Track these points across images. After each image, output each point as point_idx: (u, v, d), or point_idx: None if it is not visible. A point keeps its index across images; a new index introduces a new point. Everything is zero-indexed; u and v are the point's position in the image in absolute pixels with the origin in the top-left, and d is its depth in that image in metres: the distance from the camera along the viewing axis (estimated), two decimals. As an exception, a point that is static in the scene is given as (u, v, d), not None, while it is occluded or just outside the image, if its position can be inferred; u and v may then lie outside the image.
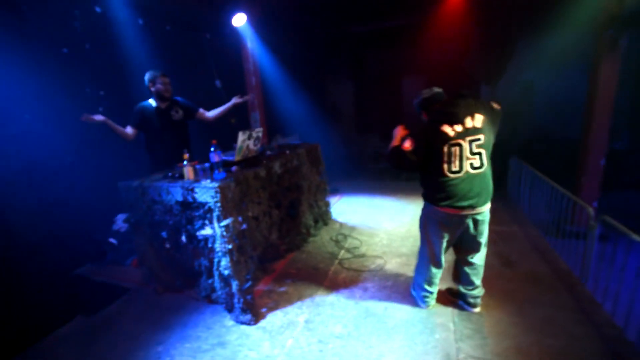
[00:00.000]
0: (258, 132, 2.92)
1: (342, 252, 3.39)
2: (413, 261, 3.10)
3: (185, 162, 2.37)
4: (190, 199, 2.27)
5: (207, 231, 2.30)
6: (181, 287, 2.76)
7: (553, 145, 6.04)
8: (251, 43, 4.75)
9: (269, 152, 3.25)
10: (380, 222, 4.14)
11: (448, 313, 2.36)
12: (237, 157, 2.72)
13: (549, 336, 2.09)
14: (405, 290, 2.65)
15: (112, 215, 3.62)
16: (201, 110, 3.32)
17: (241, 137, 2.67)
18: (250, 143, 2.87)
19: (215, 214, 2.19)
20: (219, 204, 2.16)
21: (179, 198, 2.32)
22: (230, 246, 2.22)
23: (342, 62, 7.92)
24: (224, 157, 2.59)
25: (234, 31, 4.61)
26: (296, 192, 3.39)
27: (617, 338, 2.07)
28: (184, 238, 2.44)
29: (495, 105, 2.14)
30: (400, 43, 6.96)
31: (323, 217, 4.07)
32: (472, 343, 2.07)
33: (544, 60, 5.75)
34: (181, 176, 2.45)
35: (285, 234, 3.26)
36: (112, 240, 3.49)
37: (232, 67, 4.91)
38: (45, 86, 2.95)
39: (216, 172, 2.32)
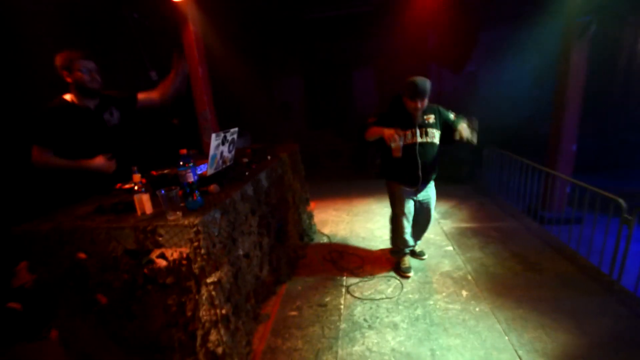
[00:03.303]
0: (233, 133, 2.12)
1: (345, 276, 2.77)
2: (430, 275, 2.63)
3: (135, 186, 1.48)
4: (150, 246, 1.42)
5: (181, 293, 1.47)
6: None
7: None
8: (195, 25, 3.78)
9: (246, 160, 2.45)
10: (372, 231, 3.61)
11: (510, 349, 1.91)
12: (209, 170, 1.90)
13: (621, 350, 1.77)
14: (443, 314, 2.15)
15: (11, 265, 2.44)
16: (142, 94, 2.31)
17: (214, 141, 1.86)
18: (225, 149, 2.07)
19: (196, 266, 1.38)
20: (202, 251, 1.36)
21: (130, 246, 1.44)
22: (223, 311, 1.43)
23: (291, 52, 7.21)
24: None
25: (172, 9, 3.60)
26: (283, 209, 2.66)
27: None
28: (140, 305, 1.56)
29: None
30: (353, 33, 6.51)
31: (308, 233, 3.39)
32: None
33: (489, 52, 5.84)
34: (128, 208, 1.56)
35: (275, 265, 2.51)
36: (13, 305, 2.34)
37: (171, 55, 3.89)
38: None
39: (190, 198, 1.50)
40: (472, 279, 2.57)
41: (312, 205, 3.75)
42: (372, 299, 2.42)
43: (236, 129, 2.14)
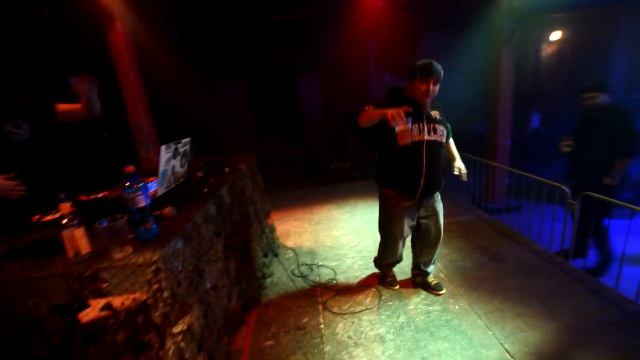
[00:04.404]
0: (185, 145, 1.83)
1: (319, 290, 2.58)
2: (405, 278, 2.58)
3: (64, 219, 1.12)
4: (90, 297, 1.08)
5: (137, 352, 1.15)
6: None
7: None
8: (124, 25, 3.30)
9: (200, 174, 2.14)
10: (338, 239, 3.48)
11: (496, 343, 1.90)
12: (160, 190, 1.58)
13: (588, 327, 1.88)
14: (425, 317, 2.09)
15: None
16: (63, 106, 1.85)
17: (164, 155, 1.56)
18: (176, 163, 1.76)
19: (157, 314, 1.09)
20: (164, 294, 1.07)
21: (61, 300, 1.08)
22: (196, 363, 1.15)
23: (234, 58, 6.86)
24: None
25: (95, 6, 3.09)
26: (246, 225, 2.38)
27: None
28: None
29: None
30: (297, 39, 6.42)
31: (272, 248, 3.14)
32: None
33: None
34: (53, 249, 1.19)
35: (243, 290, 2.22)
36: None
37: (97, 58, 3.34)
38: None
39: (142, 228, 1.19)
40: (445, 277, 2.58)
41: (271, 216, 3.50)
42: (352, 313, 2.28)
43: (188, 139, 1.84)
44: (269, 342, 2.07)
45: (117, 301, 1.07)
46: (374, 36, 5.46)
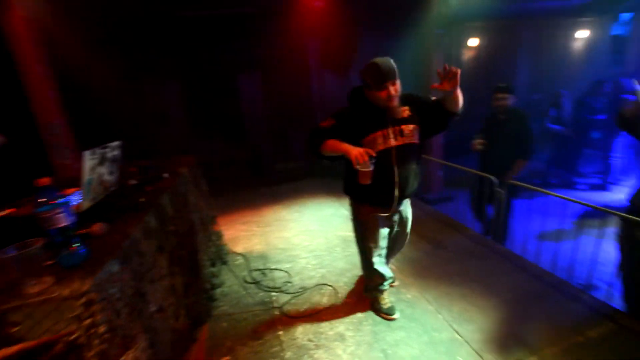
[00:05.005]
0: (115, 149, 1.60)
1: (274, 294, 2.49)
2: (360, 274, 2.63)
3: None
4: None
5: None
6: None
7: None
8: (26, 9, 2.77)
9: (134, 182, 1.89)
10: (289, 239, 3.41)
11: (446, 326, 2.03)
12: (85, 202, 1.35)
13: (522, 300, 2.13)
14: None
15: None
16: None
17: (89, 161, 1.34)
18: (104, 171, 1.53)
19: (91, 354, 0.91)
20: (101, 329, 0.90)
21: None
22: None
23: (166, 53, 6.29)
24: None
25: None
26: (192, 235, 2.18)
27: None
28: None
29: None
30: (237, 35, 6.13)
31: (220, 256, 2.95)
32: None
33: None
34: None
35: (191, 306, 2.03)
36: None
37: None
38: None
39: (65, 252, 0.98)
40: (396, 269, 2.68)
41: (217, 222, 3.29)
42: (310, 314, 2.24)
43: (118, 143, 1.61)
44: (225, 359, 1.93)
45: (34, 347, 0.87)
46: (315, 35, 5.47)
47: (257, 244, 3.38)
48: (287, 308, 2.32)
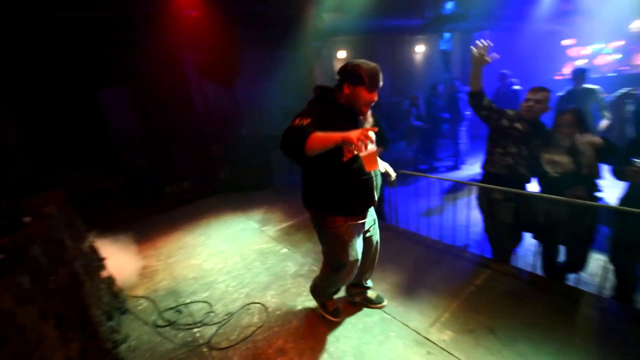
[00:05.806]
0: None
1: (197, 330, 2.21)
2: (285, 283, 2.61)
3: None
4: None
5: None
6: None
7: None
8: None
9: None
10: (200, 266, 3.09)
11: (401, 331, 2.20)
12: None
13: (424, 266, 2.51)
14: (314, 312, 2.17)
15: None
16: None
17: None
18: None
19: None
20: None
21: None
22: None
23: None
24: None
25: None
26: (77, 288, 1.73)
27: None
28: None
29: None
30: (97, 42, 5.16)
31: (116, 306, 2.44)
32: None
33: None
34: None
35: (92, 376, 1.61)
36: None
37: None
38: None
39: None
40: (317, 269, 2.75)
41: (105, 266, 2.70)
42: (244, 339, 2.08)
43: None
44: None
45: None
46: (192, 47, 5.12)
47: (161, 280, 2.94)
48: (215, 340, 2.09)
